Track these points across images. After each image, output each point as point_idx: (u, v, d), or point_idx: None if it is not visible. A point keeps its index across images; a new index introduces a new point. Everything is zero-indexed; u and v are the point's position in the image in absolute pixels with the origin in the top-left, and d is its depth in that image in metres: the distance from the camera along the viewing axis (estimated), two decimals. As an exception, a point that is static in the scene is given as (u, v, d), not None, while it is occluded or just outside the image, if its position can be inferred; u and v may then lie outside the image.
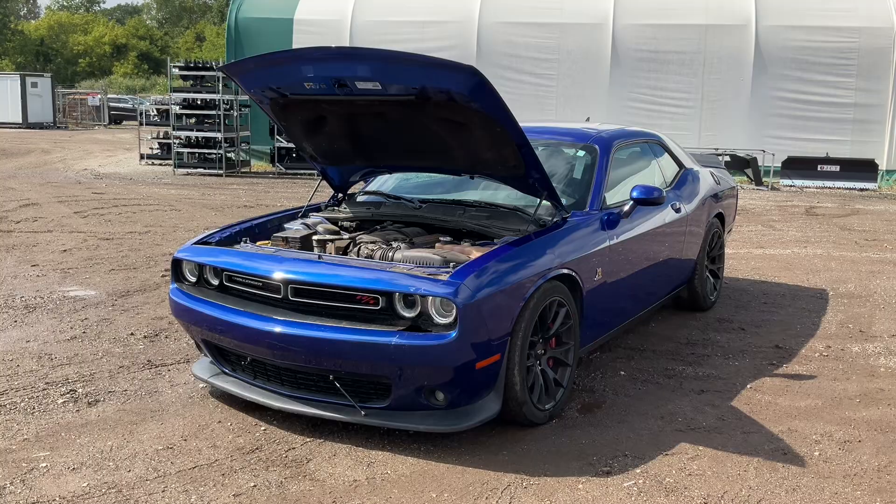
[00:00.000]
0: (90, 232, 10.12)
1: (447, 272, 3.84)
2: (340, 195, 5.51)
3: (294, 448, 3.96)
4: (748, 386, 5.03)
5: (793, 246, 10.29)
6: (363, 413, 3.95)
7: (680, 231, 6.05)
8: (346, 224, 5.13)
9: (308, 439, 4.06)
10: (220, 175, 18.04)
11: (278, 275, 4.01)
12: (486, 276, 3.86)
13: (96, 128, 39.33)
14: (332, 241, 4.59)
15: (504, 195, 5.09)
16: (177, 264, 4.57)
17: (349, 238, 4.60)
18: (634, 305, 5.53)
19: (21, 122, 35.31)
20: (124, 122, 41.00)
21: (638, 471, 3.80)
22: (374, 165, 5.17)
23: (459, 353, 3.71)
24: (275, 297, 4.10)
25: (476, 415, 3.94)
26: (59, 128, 37.24)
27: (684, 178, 6.46)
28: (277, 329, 3.91)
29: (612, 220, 5.01)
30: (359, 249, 4.46)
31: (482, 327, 3.78)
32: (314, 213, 5.25)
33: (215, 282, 4.43)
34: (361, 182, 5.83)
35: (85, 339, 5.69)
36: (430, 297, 3.77)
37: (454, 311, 3.72)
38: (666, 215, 5.77)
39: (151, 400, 4.58)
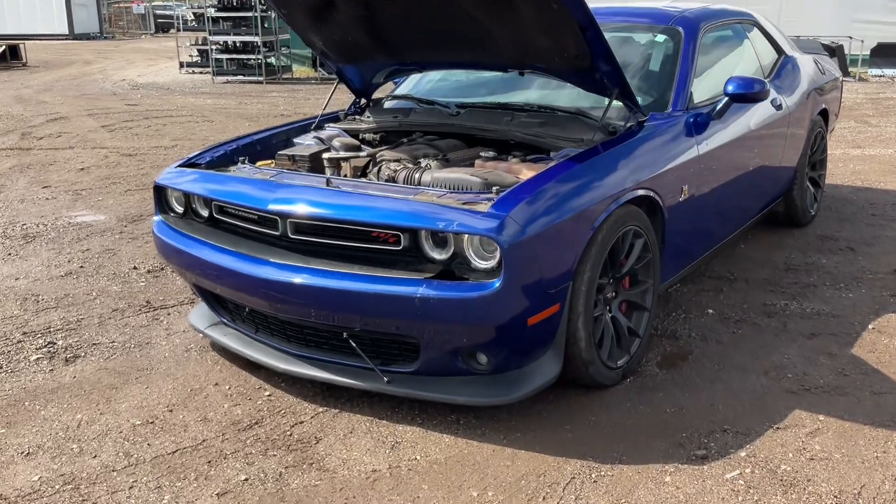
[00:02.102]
0: (113, 147, 9.39)
1: (489, 200, 2.91)
2: (363, 101, 4.56)
3: (302, 422, 3.17)
4: (870, 326, 4.04)
5: (894, 145, 8.99)
6: (386, 380, 3.11)
7: (780, 133, 4.96)
8: (368, 137, 4.20)
9: (321, 409, 3.26)
10: (261, 82, 17.12)
11: (274, 206, 3.13)
12: (540, 204, 2.92)
13: (142, 37, 38.55)
14: (346, 159, 3.67)
15: (563, 96, 4.08)
16: (160, 192, 3.72)
17: (368, 155, 3.68)
18: (725, 227, 4.52)
19: (67, 33, 34.67)
20: (171, 30, 40.10)
21: (743, 454, 2.91)
22: (401, 62, 4.17)
23: (505, 308, 2.81)
24: (272, 235, 3.24)
25: (529, 381, 3.07)
26: (105, 38, 36.54)
27: (784, 67, 5.30)
28: (271, 275, 3.06)
29: (700, 122, 3.97)
30: (379, 170, 3.54)
31: (535, 272, 2.87)
32: (330, 125, 4.33)
33: (205, 213, 3.58)
34: (391, 84, 4.86)
35: (81, 274, 4.96)
36: (467, 235, 2.86)
37: (498, 252, 2.81)
38: (765, 113, 4.67)
39: (141, 354, 3.82)
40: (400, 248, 2.97)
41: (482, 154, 3.50)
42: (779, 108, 4.86)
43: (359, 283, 2.91)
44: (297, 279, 3.01)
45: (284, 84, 17.10)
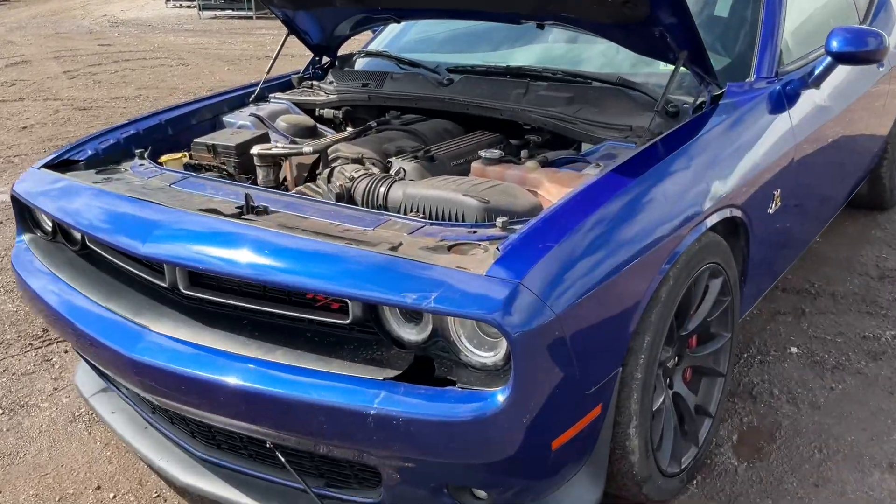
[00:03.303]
0: (68, 99, 8.20)
1: (490, 242, 1.80)
2: (324, 60, 3.38)
3: (210, 567, 2.10)
4: None
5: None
6: (330, 512, 2.03)
7: (880, 97, 3.76)
8: (327, 113, 3.05)
9: (243, 537, 2.18)
10: (250, 17, 15.74)
11: (150, 248, 1.99)
12: (573, 256, 1.78)
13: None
14: (285, 156, 2.52)
15: (599, 57, 2.89)
16: (18, 206, 2.59)
17: (316, 151, 2.52)
18: (813, 227, 3.37)
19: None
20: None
21: None
22: (372, 8, 2.98)
23: (515, 432, 1.70)
24: (158, 286, 2.13)
25: (552, 521, 1.98)
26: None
27: (881, 9, 4.05)
28: (147, 356, 1.94)
29: (791, 94, 2.79)
30: (330, 175, 2.39)
31: (564, 368, 1.74)
32: (277, 96, 3.17)
33: (78, 236, 2.46)
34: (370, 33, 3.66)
35: (-29, 285, 3.87)
36: (451, 316, 1.74)
37: (503, 346, 1.70)
38: (866, 73, 3.47)
39: (9, 425, 2.75)
40: (347, 321, 1.86)
41: (483, 155, 2.34)
42: (881, 64, 3.65)
43: (277, 384, 1.80)
44: (185, 368, 1.90)
45: (276, 20, 15.73)
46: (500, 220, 1.91)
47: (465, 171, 2.44)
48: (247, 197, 2.14)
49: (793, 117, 2.72)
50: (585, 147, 2.51)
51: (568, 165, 2.30)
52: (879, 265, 3.89)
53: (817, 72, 2.87)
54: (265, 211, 2.12)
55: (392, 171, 2.33)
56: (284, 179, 2.58)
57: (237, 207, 2.14)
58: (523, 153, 2.49)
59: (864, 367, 3.01)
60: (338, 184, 2.28)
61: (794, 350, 3.13)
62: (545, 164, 2.33)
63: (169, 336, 1.98)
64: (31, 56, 11.35)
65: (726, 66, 2.76)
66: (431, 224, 1.98)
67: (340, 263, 1.77)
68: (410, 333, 1.83)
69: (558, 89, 2.65)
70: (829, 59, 2.81)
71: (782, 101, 2.70)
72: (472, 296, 1.64)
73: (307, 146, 2.50)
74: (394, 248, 1.81)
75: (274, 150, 2.50)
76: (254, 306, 1.95)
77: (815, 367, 3.02)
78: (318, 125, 2.98)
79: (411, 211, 2.12)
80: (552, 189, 2.12)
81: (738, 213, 2.32)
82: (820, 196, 3.21)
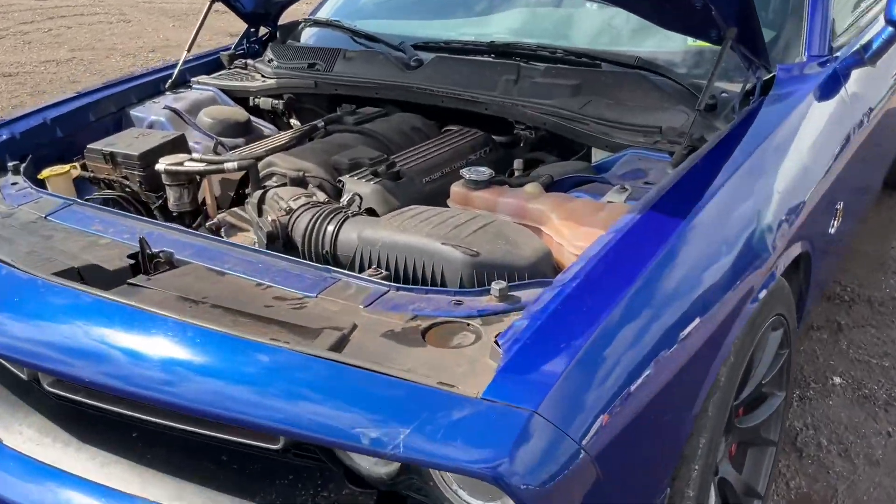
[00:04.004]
0: (-8, 63, 7.38)
1: (481, 334, 1.23)
2: (261, 32, 2.73)
3: None
4: None
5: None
6: None
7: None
8: (263, 102, 2.42)
9: None
10: (201, -34, 14.72)
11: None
12: (607, 357, 1.20)
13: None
14: (203, 173, 1.90)
15: (610, 27, 2.29)
16: None
17: (242, 168, 1.89)
18: (857, 229, 2.83)
19: None
20: None
21: None
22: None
23: None
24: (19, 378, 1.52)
25: None
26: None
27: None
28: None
29: (847, 76, 2.21)
30: (261, 204, 1.78)
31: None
32: (201, 80, 2.52)
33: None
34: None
35: None
36: (430, 467, 1.16)
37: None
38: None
39: None
40: (278, 445, 1.28)
41: (466, 176, 1.72)
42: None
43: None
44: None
45: (229, -31, 14.70)
46: (496, 287, 1.33)
47: (441, 191, 1.84)
48: (142, 243, 1.53)
49: (852, 106, 2.15)
50: (598, 155, 1.93)
51: (580, 188, 1.71)
52: (918, 262, 3.37)
53: (875, 46, 2.30)
54: (167, 263, 1.52)
55: (344, 198, 1.72)
56: (204, 201, 1.96)
57: (128, 257, 1.54)
58: (516, 164, 1.90)
59: (922, 401, 2.50)
60: (270, 218, 1.67)
61: (837, 380, 2.61)
62: (549, 185, 1.73)
63: (23, 456, 1.38)
64: (-42, 12, 10.38)
65: (769, 43, 2.17)
66: (398, 289, 1.39)
67: (259, 381, 1.18)
68: (372, 464, 1.25)
69: (559, 75, 2.05)
70: (890, 29, 2.24)
71: (840, 86, 2.13)
72: (461, 434, 1.07)
73: (230, 160, 1.87)
74: (342, 343, 1.23)
75: (186, 167, 1.87)
76: (145, 416, 1.36)
77: (865, 403, 2.50)
78: (254, 119, 2.36)
79: (370, 266, 1.53)
80: (564, 228, 1.53)
81: (806, 245, 1.76)
82: (868, 192, 2.67)
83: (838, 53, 2.22)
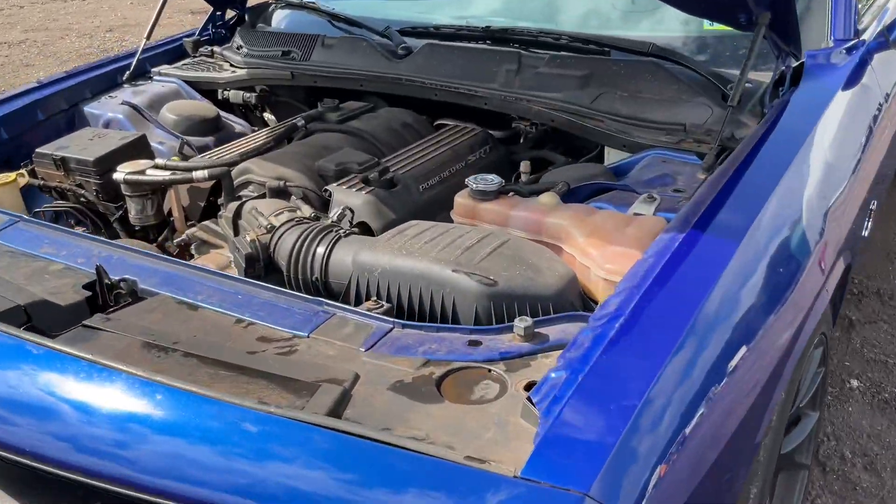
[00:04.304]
0: (-62, 46, 6.99)
1: (507, 383, 1.05)
2: (228, 15, 2.49)
3: None
4: None
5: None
6: None
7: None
8: (233, 95, 2.19)
9: None
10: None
11: None
12: (662, 415, 1.00)
13: None
14: (164, 184, 1.67)
15: (628, 14, 2.08)
16: None
17: (214, 176, 1.66)
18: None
19: None
20: None
21: None
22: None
23: None
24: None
25: None
26: None
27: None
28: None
29: (873, 60, 2.03)
30: (236, 223, 1.56)
31: None
32: (163, 71, 2.28)
33: None
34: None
35: None
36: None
37: None
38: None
39: None
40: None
41: (472, 186, 1.50)
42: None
43: None
44: None
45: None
46: (520, 325, 1.13)
47: (440, 199, 1.64)
48: (99, 272, 1.31)
49: (882, 96, 1.97)
50: (612, 155, 1.73)
51: (600, 197, 1.51)
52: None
53: (900, 26, 2.12)
54: (130, 294, 1.31)
55: (332, 213, 1.51)
56: (170, 212, 1.74)
57: (84, 287, 1.32)
58: (523, 167, 1.70)
59: (946, 406, 2.36)
60: (248, 237, 1.45)
61: (855, 384, 2.46)
62: (566, 193, 1.53)
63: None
64: None
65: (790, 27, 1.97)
66: (403, 326, 1.19)
67: (246, 454, 0.97)
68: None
69: (565, 64, 1.84)
70: (918, 8, 2.06)
71: (869, 74, 1.95)
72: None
73: (199, 167, 1.64)
74: (343, 401, 1.02)
75: (148, 177, 1.64)
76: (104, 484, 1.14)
77: (886, 409, 2.36)
78: (223, 114, 2.12)
79: (368, 296, 1.32)
80: (590, 248, 1.33)
81: (848, 258, 1.58)
82: (891, 183, 2.50)
83: (864, 36, 2.04)
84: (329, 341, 1.18)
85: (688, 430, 1.00)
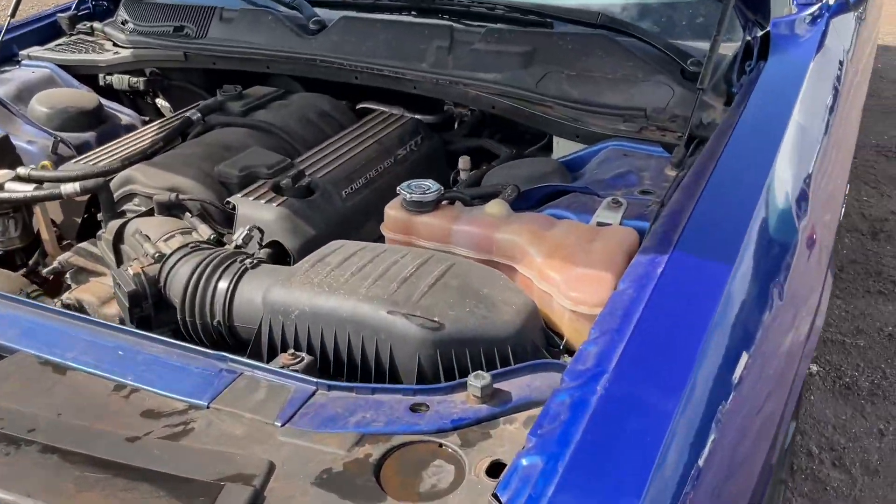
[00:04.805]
0: None
1: (465, 468, 0.83)
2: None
3: None
4: None
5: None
6: None
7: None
8: (117, 80, 1.88)
9: None
10: None
11: None
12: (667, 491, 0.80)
13: None
14: (26, 202, 1.37)
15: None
16: None
17: (87, 185, 1.37)
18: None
19: None
20: None
21: None
22: None
23: None
24: None
25: None
26: None
27: None
28: None
29: (836, 24, 1.85)
30: (116, 244, 1.28)
31: None
32: (31, 54, 1.94)
33: None
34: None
35: None
36: None
37: None
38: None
39: None
40: None
41: (405, 195, 1.24)
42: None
43: None
44: None
45: None
46: (476, 382, 0.91)
47: (366, 205, 1.39)
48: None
49: (849, 66, 1.80)
50: (562, 146, 1.51)
51: (557, 203, 1.28)
52: (865, 214, 3.14)
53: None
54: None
55: (237, 234, 1.24)
56: (39, 232, 1.44)
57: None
58: (462, 163, 1.47)
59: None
60: (132, 269, 1.17)
61: (815, 368, 2.33)
62: (515, 193, 1.30)
63: None
64: None
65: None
66: (329, 387, 0.95)
67: None
68: None
69: (504, 39, 1.60)
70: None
71: (835, 41, 1.76)
72: None
73: (70, 177, 1.35)
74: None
75: (7, 194, 1.34)
76: None
77: (849, 395, 2.24)
78: (106, 103, 1.81)
79: (284, 346, 1.07)
80: (550, 270, 1.11)
81: (831, 250, 1.40)
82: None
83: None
84: (235, 413, 0.94)
85: None
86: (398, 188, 1.24)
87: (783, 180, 1.19)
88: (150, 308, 1.17)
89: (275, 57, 1.72)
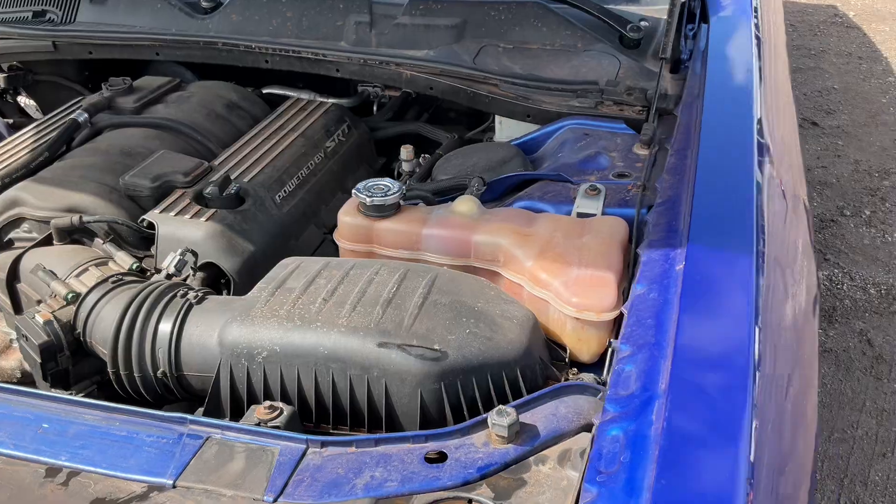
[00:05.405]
0: None
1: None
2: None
3: None
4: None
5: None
6: None
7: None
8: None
9: None
10: None
11: None
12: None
13: None
14: None
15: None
16: None
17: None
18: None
19: None
20: None
21: None
22: None
23: None
24: None
25: None
26: None
27: None
28: None
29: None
30: (11, 283, 1.05)
31: None
32: None
33: None
34: None
35: None
36: None
37: None
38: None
39: None
40: None
41: (362, 197, 1.07)
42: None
43: None
44: None
45: None
46: (501, 420, 0.78)
47: (304, 210, 1.22)
48: None
49: (779, 20, 1.76)
50: (506, 127, 1.38)
51: (528, 193, 1.15)
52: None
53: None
54: None
55: (168, 261, 1.03)
56: None
57: None
58: (404, 153, 1.32)
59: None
60: (40, 318, 0.95)
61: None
62: (479, 188, 1.16)
63: None
64: None
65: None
66: (323, 443, 0.79)
67: None
68: None
69: (430, 11, 1.44)
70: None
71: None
72: None
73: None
74: None
75: None
76: None
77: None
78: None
79: (252, 396, 0.89)
80: (544, 273, 0.98)
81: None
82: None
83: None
84: (211, 491, 0.76)
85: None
86: (354, 191, 1.07)
87: (770, 150, 1.12)
88: (67, 361, 0.96)
89: (165, 42, 1.49)
